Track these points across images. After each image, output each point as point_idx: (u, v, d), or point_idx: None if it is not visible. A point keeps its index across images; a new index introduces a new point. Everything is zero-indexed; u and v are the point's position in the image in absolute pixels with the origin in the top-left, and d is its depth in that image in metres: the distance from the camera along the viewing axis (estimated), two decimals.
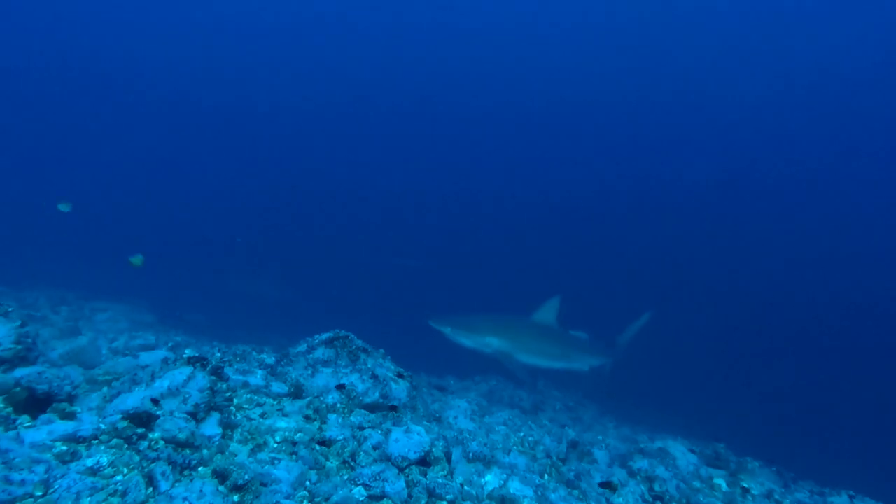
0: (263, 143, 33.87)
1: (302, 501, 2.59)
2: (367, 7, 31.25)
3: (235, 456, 2.87)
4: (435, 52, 33.40)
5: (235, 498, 2.49)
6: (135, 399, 3.07)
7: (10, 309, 3.54)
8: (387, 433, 3.21)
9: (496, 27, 31.28)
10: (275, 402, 3.49)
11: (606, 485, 3.56)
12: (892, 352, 19.47)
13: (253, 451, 2.97)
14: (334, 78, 34.82)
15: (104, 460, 2.53)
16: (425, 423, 4.11)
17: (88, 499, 2.28)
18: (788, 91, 29.96)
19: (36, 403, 3.01)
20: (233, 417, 3.24)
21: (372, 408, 3.87)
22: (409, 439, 3.08)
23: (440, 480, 2.94)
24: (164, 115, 33.36)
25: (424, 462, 3.04)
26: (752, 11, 26.70)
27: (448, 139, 35.78)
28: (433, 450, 3.10)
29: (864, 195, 31.10)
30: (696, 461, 3.94)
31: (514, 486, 3.08)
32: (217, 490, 2.44)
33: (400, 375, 4.45)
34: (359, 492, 2.71)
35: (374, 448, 3.07)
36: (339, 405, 3.57)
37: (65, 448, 2.60)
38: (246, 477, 2.51)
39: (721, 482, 4.15)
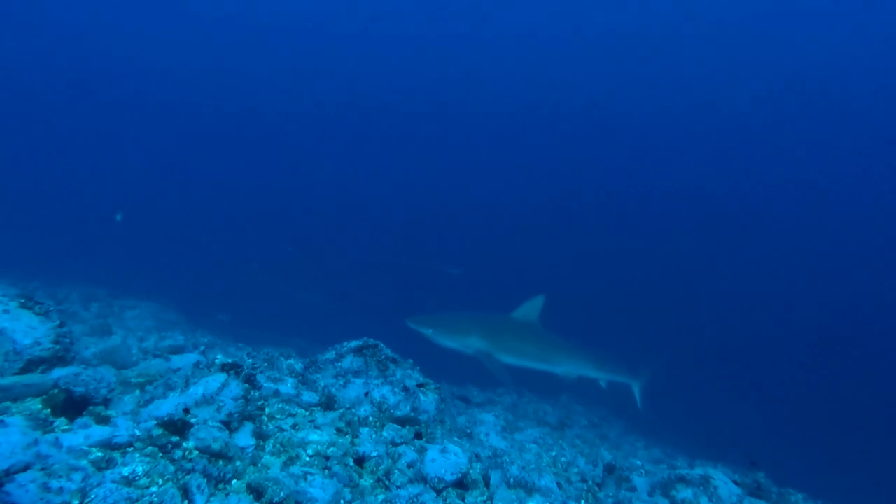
0: (302, 147, 34.32)
1: None
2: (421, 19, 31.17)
3: (268, 469, 2.81)
4: (461, 63, 33.43)
5: None
6: (169, 405, 3.04)
7: (51, 308, 3.56)
8: (421, 451, 3.11)
9: (512, 36, 31.27)
10: (306, 413, 3.43)
11: None
12: None
13: (286, 465, 2.90)
14: (370, 88, 35.12)
15: (139, 469, 2.49)
16: (455, 438, 4.00)
17: None
18: (787, 91, 29.44)
19: (73, 405, 3.01)
20: (265, 427, 3.18)
21: (403, 421, 3.78)
22: (445, 459, 2.98)
23: None
24: (201, 119, 34.16)
25: (462, 485, 2.93)
26: (752, 12, 26.31)
27: (457, 144, 35.78)
28: (470, 472, 2.98)
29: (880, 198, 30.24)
30: (739, 492, 3.74)
31: None
32: None
33: (428, 387, 4.36)
34: None
35: (409, 466, 2.98)
36: (371, 418, 3.48)
37: (101, 454, 2.57)
38: (282, 494, 2.43)
39: None
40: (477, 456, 3.26)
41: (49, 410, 2.91)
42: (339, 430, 3.28)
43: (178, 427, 2.85)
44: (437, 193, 32.51)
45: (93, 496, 2.26)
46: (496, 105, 34.60)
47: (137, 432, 2.79)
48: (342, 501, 2.62)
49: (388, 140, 35.48)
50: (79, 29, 32.01)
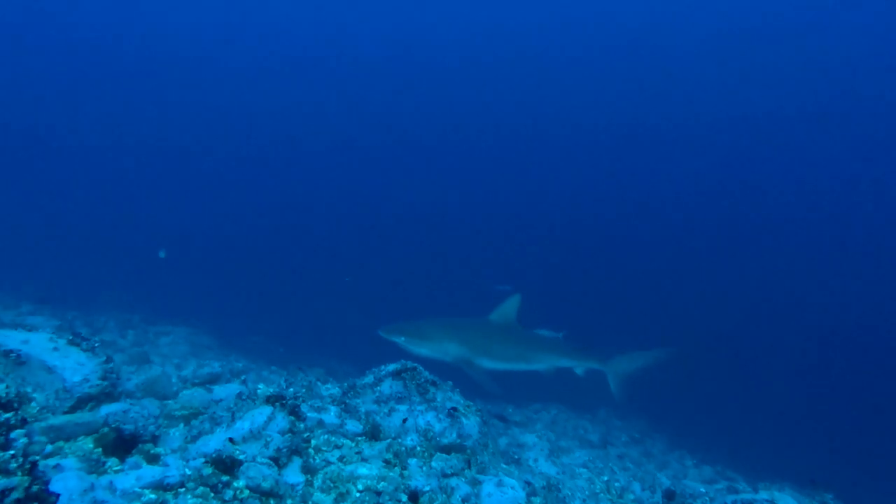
0: (335, 166, 34.61)
1: None
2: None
3: None
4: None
5: None
6: (217, 441, 3.00)
7: (97, 343, 3.59)
8: (474, 483, 2.99)
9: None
10: (353, 445, 3.35)
11: None
12: None
13: (336, 502, 2.82)
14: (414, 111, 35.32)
15: None
16: (503, 465, 3.86)
17: None
18: (786, 92, 28.75)
19: (123, 444, 2.99)
20: (311, 461, 3.11)
21: (448, 449, 3.67)
22: (502, 494, 2.85)
23: None
24: (231, 141, 34.88)
25: None
26: (752, 12, 25.89)
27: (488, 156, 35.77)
28: None
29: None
30: None
31: None
32: None
33: (470, 409, 4.25)
34: None
35: (464, 501, 2.86)
36: (418, 448, 3.38)
37: (154, 497, 2.53)
38: None
39: None
40: (532, 487, 3.12)
41: (101, 450, 2.91)
42: (387, 462, 3.19)
43: (227, 465, 2.80)
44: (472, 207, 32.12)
45: None
46: (497, 105, 34.43)
47: (188, 471, 2.75)
48: None
49: (428, 157, 35.56)
50: (127, 63, 33.23)
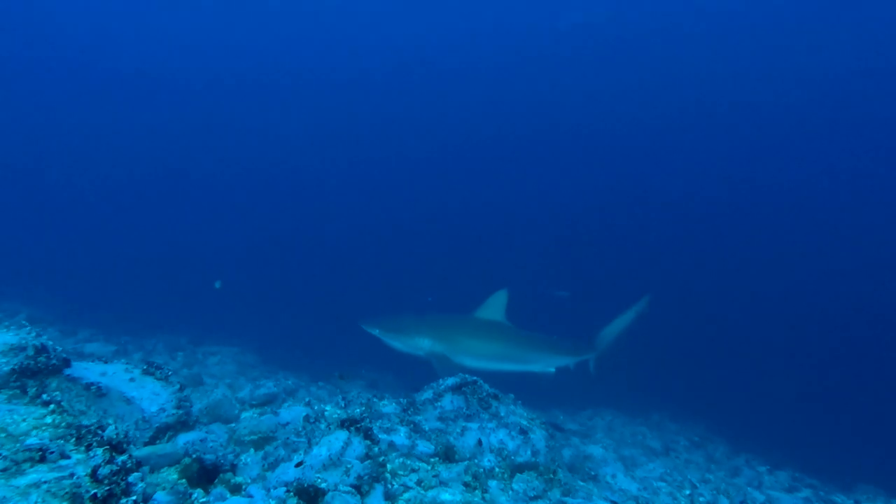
0: (371, 180, 34.60)
1: None
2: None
3: None
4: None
5: None
6: (297, 470, 2.97)
7: (170, 372, 3.63)
8: None
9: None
10: (429, 468, 3.27)
11: None
12: None
13: None
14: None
15: None
16: (580, 482, 3.72)
17: None
18: (785, 92, 27.80)
19: (205, 474, 3.00)
20: (390, 486, 3.05)
21: (523, 468, 3.56)
22: None
23: None
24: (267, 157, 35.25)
25: None
26: (752, 13, 25.18)
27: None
28: None
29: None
30: None
31: None
32: None
33: (534, 422, 4.14)
34: None
35: None
36: (497, 469, 3.28)
37: None
38: None
39: None
40: None
41: (185, 481, 2.91)
42: (467, 486, 3.10)
43: (311, 495, 2.75)
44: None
45: None
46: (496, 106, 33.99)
47: (272, 502, 2.73)
48: None
49: (459, 163, 35.32)
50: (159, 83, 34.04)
